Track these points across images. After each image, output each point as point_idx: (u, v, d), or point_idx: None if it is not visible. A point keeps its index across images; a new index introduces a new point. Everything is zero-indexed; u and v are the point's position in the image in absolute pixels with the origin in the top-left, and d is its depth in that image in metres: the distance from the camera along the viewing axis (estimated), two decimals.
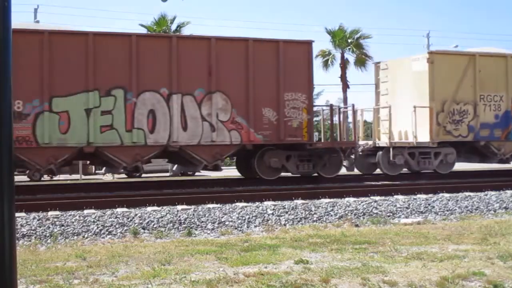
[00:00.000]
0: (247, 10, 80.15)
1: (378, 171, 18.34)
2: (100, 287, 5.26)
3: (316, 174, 16.46)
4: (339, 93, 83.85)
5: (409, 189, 13.01)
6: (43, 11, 78.25)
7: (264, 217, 9.93)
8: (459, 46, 36.19)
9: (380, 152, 17.63)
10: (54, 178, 21.22)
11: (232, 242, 7.77)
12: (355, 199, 11.63)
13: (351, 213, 10.43)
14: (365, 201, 11.39)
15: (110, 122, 13.82)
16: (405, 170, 18.21)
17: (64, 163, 14.58)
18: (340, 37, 34.26)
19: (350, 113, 19.57)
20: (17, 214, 8.87)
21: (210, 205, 10.66)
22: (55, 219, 9.29)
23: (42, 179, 20.55)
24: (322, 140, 18.15)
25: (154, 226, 9.21)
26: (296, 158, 15.97)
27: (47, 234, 8.66)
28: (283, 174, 16.36)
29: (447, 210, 11.08)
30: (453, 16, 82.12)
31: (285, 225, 9.63)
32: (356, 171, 20.66)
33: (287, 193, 12.14)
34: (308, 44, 15.76)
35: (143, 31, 31.98)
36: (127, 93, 13.94)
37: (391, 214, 10.62)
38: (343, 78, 34.40)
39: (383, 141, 17.98)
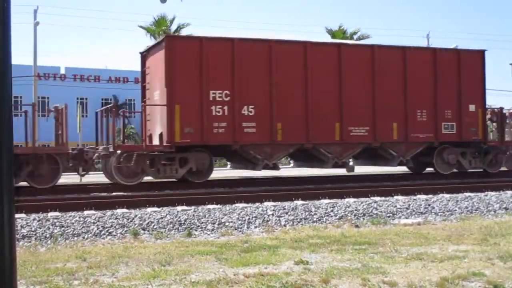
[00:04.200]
0: (246, 10, 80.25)
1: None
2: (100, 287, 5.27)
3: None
4: None
5: (409, 190, 13.01)
6: (43, 12, 78.21)
7: (264, 217, 9.93)
8: (459, 46, 36.11)
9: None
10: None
11: (232, 243, 7.77)
12: (355, 199, 11.63)
13: (351, 214, 10.43)
14: (365, 201, 11.39)
15: None
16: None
17: None
18: (340, 38, 34.32)
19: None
20: (17, 215, 8.87)
21: (210, 206, 10.66)
22: (55, 220, 9.29)
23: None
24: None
25: (154, 227, 9.20)
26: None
27: (47, 235, 8.66)
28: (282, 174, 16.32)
29: (447, 211, 11.08)
30: (453, 16, 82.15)
31: (285, 225, 9.62)
32: (356, 172, 20.62)
33: (287, 194, 12.14)
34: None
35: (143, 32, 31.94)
36: None
37: (391, 214, 10.61)
38: None
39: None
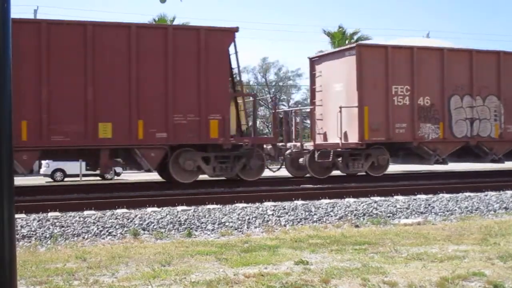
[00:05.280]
0: (245, 10, 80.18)
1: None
2: None
3: None
4: None
5: (409, 190, 13.01)
6: (43, 12, 78.21)
7: (264, 218, 9.93)
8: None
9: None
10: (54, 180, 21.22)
11: (232, 243, 7.77)
12: (355, 199, 11.63)
13: (351, 214, 10.43)
14: (365, 201, 11.39)
15: None
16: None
17: None
18: (339, 39, 34.29)
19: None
20: (17, 215, 8.87)
21: (210, 206, 10.66)
22: (55, 220, 9.29)
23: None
24: None
25: (154, 227, 9.20)
26: None
27: (47, 235, 8.66)
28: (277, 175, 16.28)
29: (447, 211, 11.08)
30: (453, 16, 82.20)
31: (285, 226, 9.62)
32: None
33: (287, 194, 12.14)
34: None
35: None
36: None
37: (391, 214, 10.61)
38: None
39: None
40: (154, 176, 18.85)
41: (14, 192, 3.01)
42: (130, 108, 13.80)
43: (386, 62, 16.54)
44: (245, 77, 44.04)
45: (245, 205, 10.84)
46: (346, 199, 11.68)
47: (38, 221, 9.25)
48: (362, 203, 11.21)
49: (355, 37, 35.35)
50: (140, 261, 6.46)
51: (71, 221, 9.26)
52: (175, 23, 33.59)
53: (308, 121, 21.89)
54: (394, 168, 19.72)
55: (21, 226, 8.90)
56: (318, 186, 15.26)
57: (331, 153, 16.71)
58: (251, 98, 17.26)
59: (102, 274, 5.85)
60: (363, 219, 10.22)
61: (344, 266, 6.00)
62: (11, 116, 2.96)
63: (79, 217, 9.48)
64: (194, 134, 14.37)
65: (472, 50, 17.94)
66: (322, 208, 10.66)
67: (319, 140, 17.86)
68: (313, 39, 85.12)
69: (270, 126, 18.08)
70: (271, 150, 16.56)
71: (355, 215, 10.38)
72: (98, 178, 23.68)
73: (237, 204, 10.94)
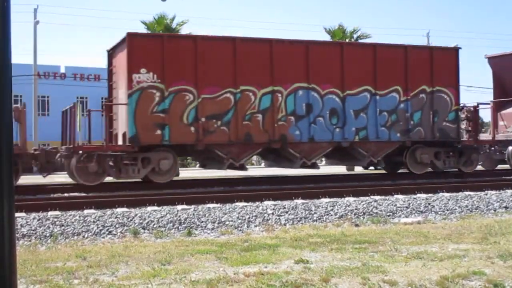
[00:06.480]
0: (245, 10, 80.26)
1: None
2: (100, 287, 5.26)
3: None
4: None
5: (409, 189, 13.01)
6: (43, 11, 78.25)
7: (264, 216, 9.93)
8: (459, 45, 36.10)
9: None
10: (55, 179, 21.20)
11: (232, 242, 7.78)
12: (355, 198, 11.63)
13: (351, 213, 10.43)
14: (365, 200, 11.39)
15: None
16: None
17: None
18: (339, 37, 34.30)
19: None
20: (17, 214, 8.87)
21: (210, 205, 10.66)
22: (55, 219, 9.29)
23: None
24: None
25: (154, 226, 9.21)
26: None
27: (47, 234, 8.66)
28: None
29: (447, 210, 11.08)
30: (453, 16, 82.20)
31: (285, 224, 9.63)
32: (357, 171, 20.64)
33: (287, 193, 12.14)
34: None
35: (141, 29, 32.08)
36: None
37: (391, 213, 10.62)
38: None
39: None
40: None
41: (14, 191, 3.01)
42: None
43: None
44: None
45: (245, 204, 10.85)
46: (346, 198, 11.68)
47: (38, 220, 9.25)
48: (362, 202, 11.21)
49: (355, 36, 35.36)
50: (140, 260, 6.46)
51: (71, 220, 9.26)
52: (174, 22, 33.64)
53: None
54: None
55: (21, 225, 8.90)
56: (318, 185, 15.26)
57: None
58: None
59: (102, 273, 5.85)
60: (363, 218, 10.22)
61: (344, 265, 6.00)
62: (11, 116, 2.96)
63: (79, 216, 9.48)
64: None
65: None
66: (322, 207, 10.66)
67: None
68: (312, 36, 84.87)
69: None
70: None
71: (355, 214, 10.39)
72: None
73: (237, 203, 10.94)
